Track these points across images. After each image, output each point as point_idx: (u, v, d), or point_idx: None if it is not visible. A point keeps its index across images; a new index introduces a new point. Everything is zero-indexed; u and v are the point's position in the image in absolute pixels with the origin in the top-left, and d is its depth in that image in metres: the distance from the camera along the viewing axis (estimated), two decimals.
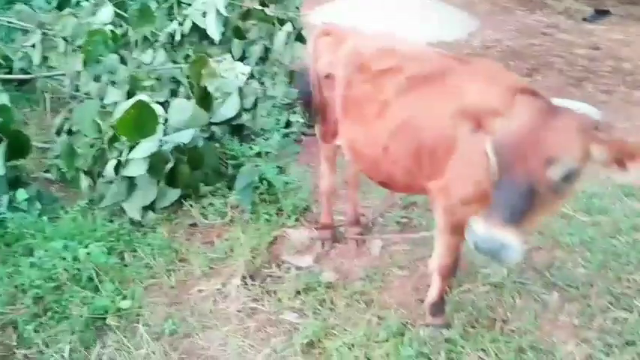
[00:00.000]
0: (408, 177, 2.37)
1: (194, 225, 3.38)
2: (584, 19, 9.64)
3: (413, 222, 3.51)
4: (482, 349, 2.47)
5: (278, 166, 3.93)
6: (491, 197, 1.68)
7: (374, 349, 2.48)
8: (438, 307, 2.58)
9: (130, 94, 3.44)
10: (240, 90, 3.74)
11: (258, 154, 4.11)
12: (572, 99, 5.96)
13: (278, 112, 4.75)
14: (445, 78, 2.21)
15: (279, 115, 4.70)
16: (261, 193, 3.59)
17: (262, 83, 4.91)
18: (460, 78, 2.18)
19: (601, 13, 9.75)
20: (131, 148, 3.12)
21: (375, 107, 2.38)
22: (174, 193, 3.41)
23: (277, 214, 3.48)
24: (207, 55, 3.81)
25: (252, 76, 4.92)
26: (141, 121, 3.01)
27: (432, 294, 2.57)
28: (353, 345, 2.49)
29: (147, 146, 3.09)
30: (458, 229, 2.32)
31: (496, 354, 2.44)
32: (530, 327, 2.58)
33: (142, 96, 3.14)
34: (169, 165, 3.25)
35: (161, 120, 3.24)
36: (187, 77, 3.56)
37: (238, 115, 3.90)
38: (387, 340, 2.53)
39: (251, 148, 4.19)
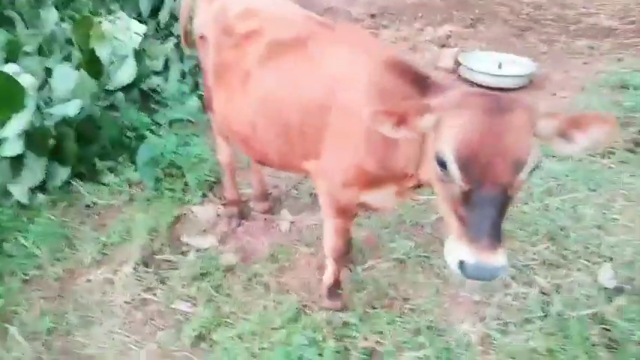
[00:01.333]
0: (283, 157, 2.16)
1: (88, 206, 3.12)
2: None
3: None
4: (379, 332, 2.37)
5: (189, 135, 3.67)
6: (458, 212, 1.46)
7: (267, 337, 2.35)
8: (334, 290, 2.46)
9: (7, 62, 3.07)
10: (137, 52, 3.38)
11: (168, 123, 3.83)
12: (513, 51, 5.67)
13: (197, 74, 4.41)
14: (307, 45, 1.96)
15: (198, 77, 4.37)
16: (165, 168, 3.33)
17: (178, 43, 4.54)
18: (323, 45, 1.94)
19: None
20: (3, 126, 2.80)
21: (239, 77, 2.12)
22: (65, 172, 3.12)
23: (183, 190, 3.26)
24: (100, 14, 3.42)
25: (169, 34, 4.54)
26: (7, 95, 2.68)
27: (328, 277, 2.44)
28: (244, 335, 2.36)
29: (19, 122, 2.77)
30: (344, 212, 2.15)
31: (392, 336, 2.35)
32: (429, 305, 2.49)
33: (9, 66, 2.79)
34: (52, 141, 2.95)
35: (38, 91, 2.90)
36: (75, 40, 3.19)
37: (140, 80, 3.57)
38: (282, 327, 2.40)
39: (163, 115, 3.89)
